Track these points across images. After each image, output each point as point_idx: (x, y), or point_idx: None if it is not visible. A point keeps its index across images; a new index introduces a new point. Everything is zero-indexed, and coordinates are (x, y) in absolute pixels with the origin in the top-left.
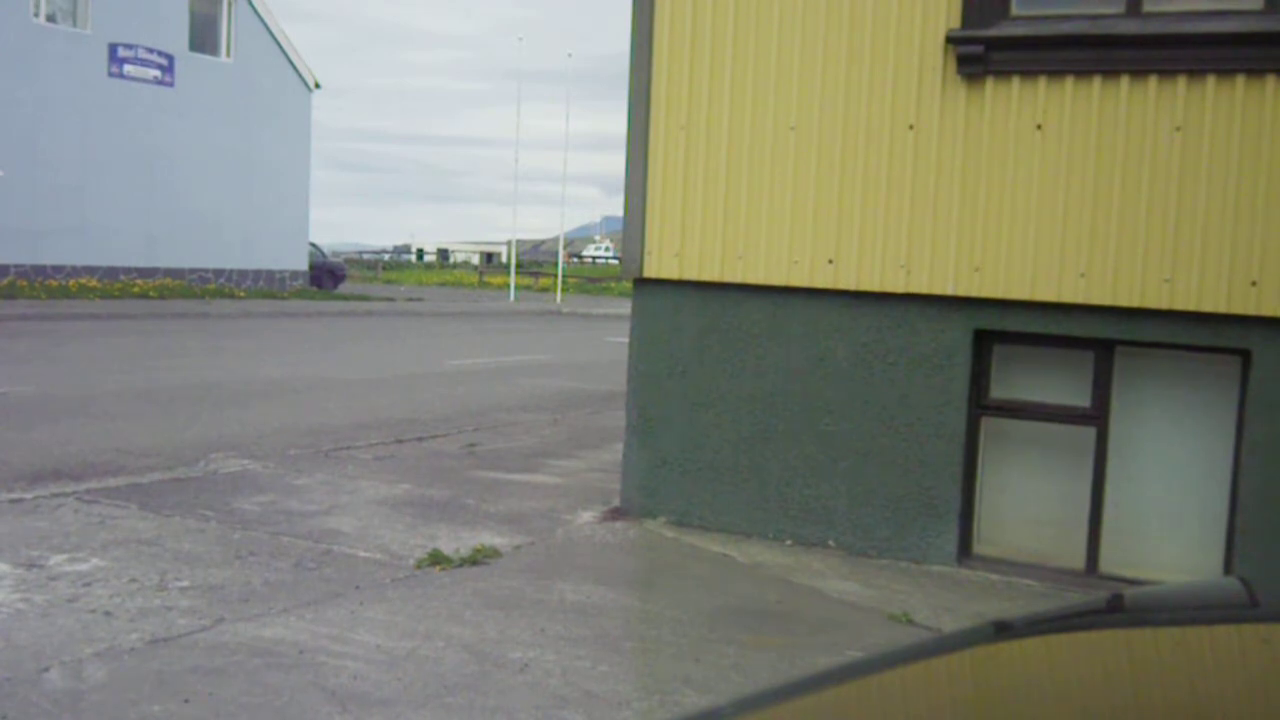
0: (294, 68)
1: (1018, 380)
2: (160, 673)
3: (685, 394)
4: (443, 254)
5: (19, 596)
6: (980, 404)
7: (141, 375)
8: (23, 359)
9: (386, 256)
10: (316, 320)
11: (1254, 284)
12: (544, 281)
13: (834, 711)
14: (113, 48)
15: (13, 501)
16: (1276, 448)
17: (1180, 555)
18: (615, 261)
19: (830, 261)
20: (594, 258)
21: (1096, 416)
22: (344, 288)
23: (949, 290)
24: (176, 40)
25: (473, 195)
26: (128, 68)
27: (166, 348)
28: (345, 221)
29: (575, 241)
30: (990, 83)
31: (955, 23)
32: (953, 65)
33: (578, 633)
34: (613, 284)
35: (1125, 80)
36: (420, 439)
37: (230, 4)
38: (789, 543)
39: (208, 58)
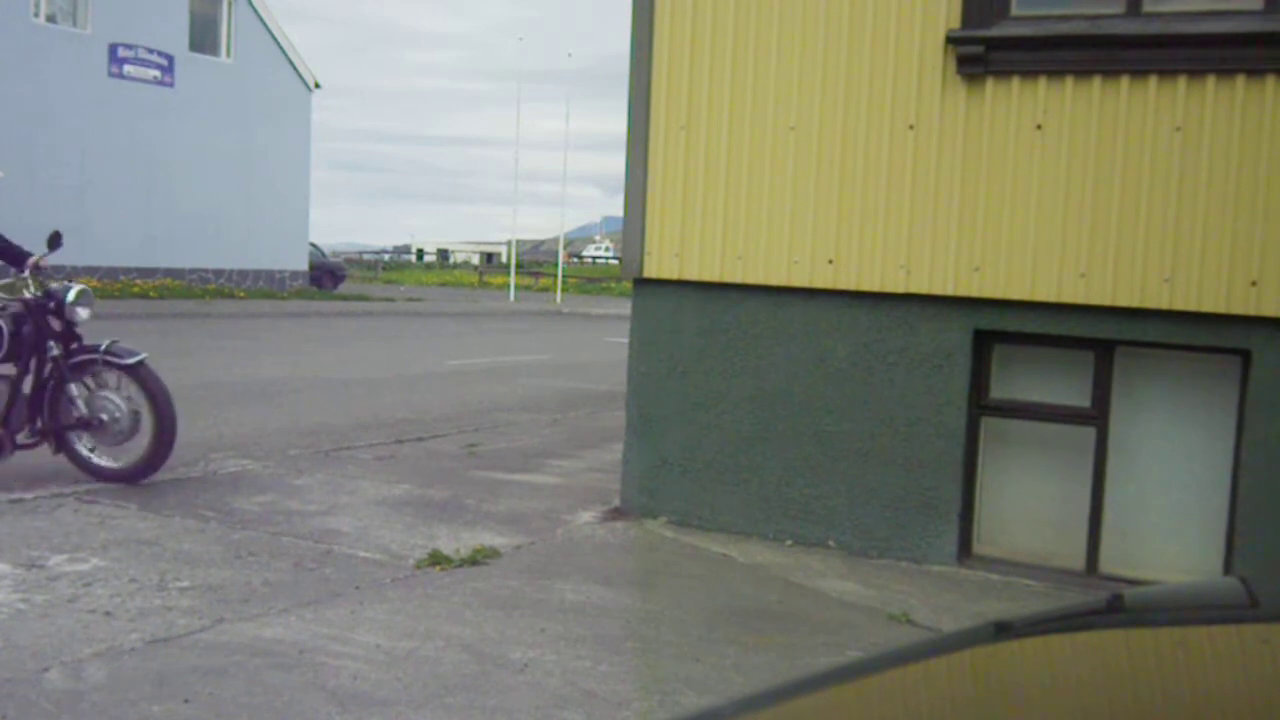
0: (294, 68)
1: (1018, 380)
2: (160, 673)
3: (685, 394)
4: (443, 254)
5: (19, 596)
6: (980, 404)
7: None
8: None
9: (386, 257)
10: (316, 320)
11: (1254, 284)
12: (544, 281)
13: (834, 711)
14: (113, 48)
15: (13, 501)
16: (1276, 448)
17: (1180, 555)
18: (615, 261)
19: (830, 261)
20: (594, 258)
21: (1096, 416)
22: (344, 288)
23: (949, 290)
24: (176, 40)
25: (473, 195)
26: (128, 68)
27: (166, 348)
28: (345, 221)
29: (575, 241)
30: (990, 83)
31: (955, 23)
32: (953, 65)
33: (578, 633)
34: (613, 284)
35: (1125, 80)
36: (420, 439)
37: (230, 4)
38: (789, 543)
39: (208, 58)
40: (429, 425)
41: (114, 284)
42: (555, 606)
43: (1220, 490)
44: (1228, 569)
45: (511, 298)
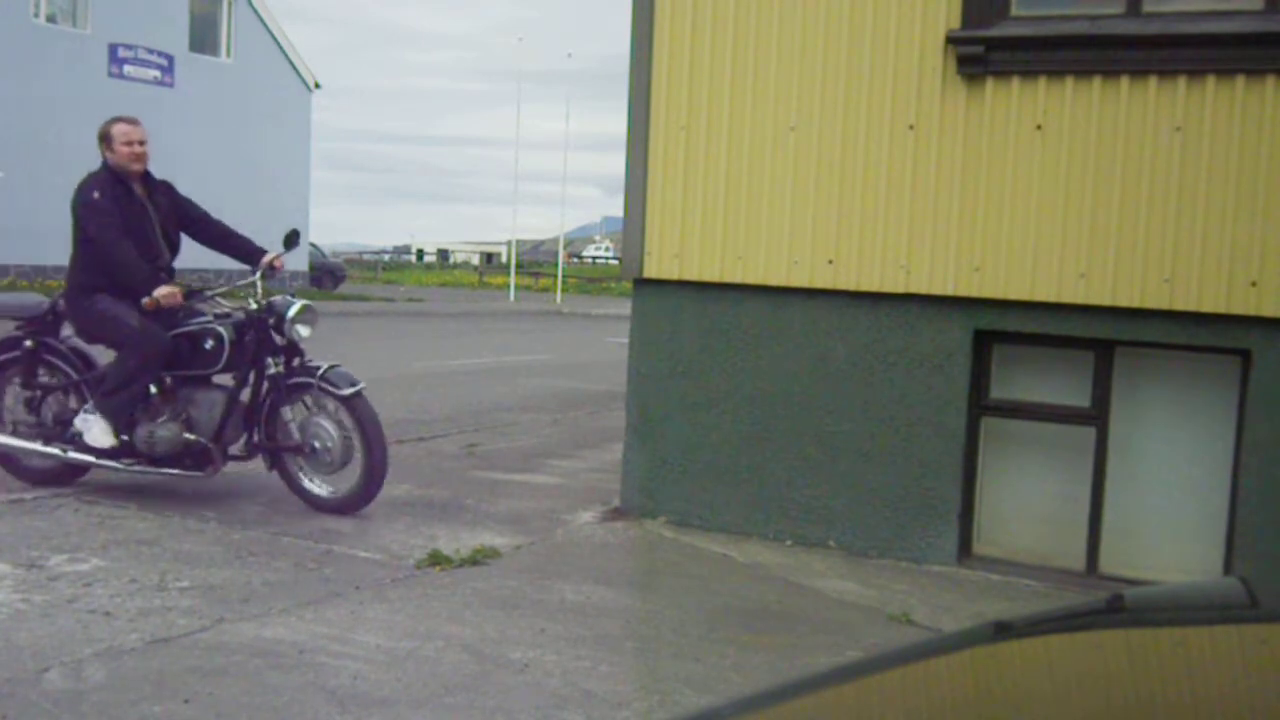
0: (294, 68)
1: (1018, 380)
2: (160, 673)
3: (685, 394)
4: (443, 254)
5: (19, 597)
6: (980, 404)
7: None
8: None
9: (386, 257)
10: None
11: (1254, 284)
12: (544, 282)
13: (834, 711)
14: (113, 48)
15: (13, 501)
16: (1276, 447)
17: (1180, 555)
18: (615, 261)
19: (830, 261)
20: (594, 258)
21: (1096, 416)
22: (344, 288)
23: (949, 290)
24: (176, 40)
25: (473, 195)
26: (128, 68)
27: None
28: (345, 221)
29: (575, 241)
30: (990, 83)
31: (955, 23)
32: (953, 65)
33: (578, 633)
34: (613, 284)
35: (1125, 80)
36: (420, 439)
37: (230, 4)
38: (789, 543)
39: (208, 58)
40: (429, 425)
41: None
42: (555, 606)
43: (1220, 490)
44: (1228, 569)
45: (511, 298)
